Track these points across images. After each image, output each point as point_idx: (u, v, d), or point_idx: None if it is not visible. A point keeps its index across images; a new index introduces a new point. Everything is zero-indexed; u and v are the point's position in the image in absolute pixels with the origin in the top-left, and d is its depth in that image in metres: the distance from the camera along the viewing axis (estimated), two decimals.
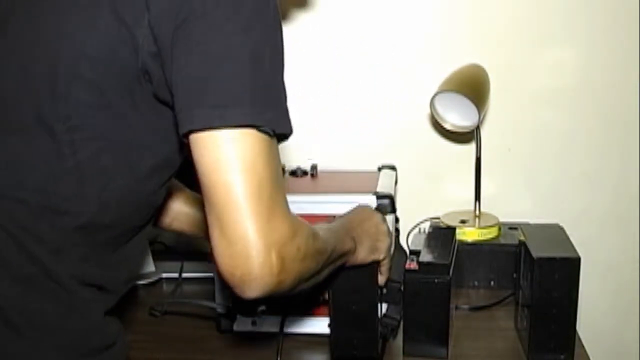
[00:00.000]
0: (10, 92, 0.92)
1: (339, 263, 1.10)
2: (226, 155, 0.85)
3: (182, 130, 0.86)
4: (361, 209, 1.23)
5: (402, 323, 1.30)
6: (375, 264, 1.22)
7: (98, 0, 0.88)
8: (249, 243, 0.84)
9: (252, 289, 0.86)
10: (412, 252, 1.30)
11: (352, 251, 1.14)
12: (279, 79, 0.90)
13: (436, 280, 1.25)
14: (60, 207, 0.92)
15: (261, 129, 0.86)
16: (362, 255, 1.17)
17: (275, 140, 0.89)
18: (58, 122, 0.90)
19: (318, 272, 0.99)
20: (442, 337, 1.27)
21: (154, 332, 1.40)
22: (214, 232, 0.86)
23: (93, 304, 0.96)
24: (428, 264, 1.26)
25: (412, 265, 1.26)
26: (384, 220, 1.23)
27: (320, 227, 1.05)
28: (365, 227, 1.19)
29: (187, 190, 1.32)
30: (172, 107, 0.90)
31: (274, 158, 0.88)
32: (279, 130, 0.88)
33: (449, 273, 1.26)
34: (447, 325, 1.27)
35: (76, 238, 0.93)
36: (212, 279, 1.41)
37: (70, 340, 0.93)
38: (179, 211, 1.31)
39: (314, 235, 0.96)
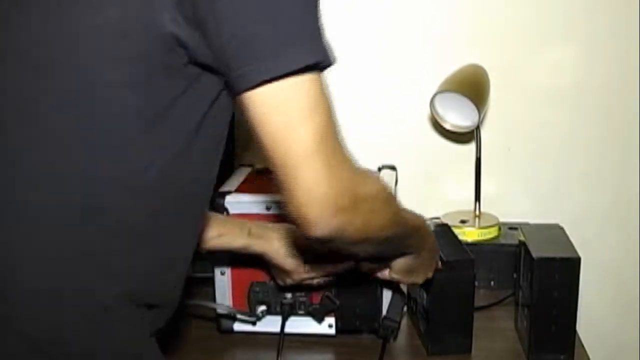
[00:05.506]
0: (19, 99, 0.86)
1: (401, 247, 1.08)
2: (289, 103, 0.82)
3: (240, 88, 0.82)
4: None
5: (399, 325, 1.30)
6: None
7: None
8: (317, 189, 0.82)
9: (320, 228, 0.84)
10: None
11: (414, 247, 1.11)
12: (318, 8, 0.86)
13: (462, 277, 1.26)
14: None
15: (320, 65, 0.84)
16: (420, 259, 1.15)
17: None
18: (88, 105, 0.83)
19: (387, 239, 0.97)
20: (467, 331, 1.29)
21: None
22: (281, 181, 0.84)
23: (130, 324, 0.92)
24: (455, 262, 1.26)
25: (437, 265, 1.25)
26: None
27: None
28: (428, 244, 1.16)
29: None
30: (215, 71, 0.85)
31: (328, 96, 0.86)
32: (331, 61, 0.86)
33: (473, 268, 1.27)
34: (472, 318, 1.28)
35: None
36: (212, 279, 1.40)
37: None
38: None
39: (384, 188, 0.94)
